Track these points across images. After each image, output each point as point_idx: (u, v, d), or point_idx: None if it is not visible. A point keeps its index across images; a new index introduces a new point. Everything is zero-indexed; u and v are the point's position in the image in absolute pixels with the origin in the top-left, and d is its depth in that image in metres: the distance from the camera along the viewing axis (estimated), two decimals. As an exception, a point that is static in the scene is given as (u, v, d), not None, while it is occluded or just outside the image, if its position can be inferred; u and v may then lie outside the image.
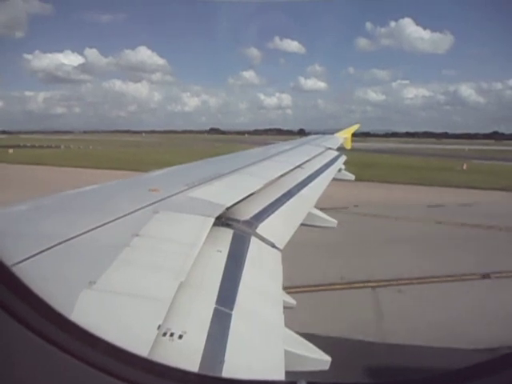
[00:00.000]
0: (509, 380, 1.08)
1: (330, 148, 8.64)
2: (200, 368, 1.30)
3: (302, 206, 4.24)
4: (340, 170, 7.19)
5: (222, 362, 1.38)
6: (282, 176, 4.80)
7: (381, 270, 11.02)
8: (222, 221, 2.76)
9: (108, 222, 2.14)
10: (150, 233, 2.14)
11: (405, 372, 6.15)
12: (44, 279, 1.47)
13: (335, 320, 8.24)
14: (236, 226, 2.82)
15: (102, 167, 33.42)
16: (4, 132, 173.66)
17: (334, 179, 6.33)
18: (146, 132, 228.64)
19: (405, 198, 22.55)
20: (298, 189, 4.58)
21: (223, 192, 3.31)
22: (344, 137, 11.38)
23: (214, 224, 2.48)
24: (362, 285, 10.08)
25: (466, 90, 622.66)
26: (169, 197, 2.84)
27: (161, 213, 2.46)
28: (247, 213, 3.19)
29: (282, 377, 1.45)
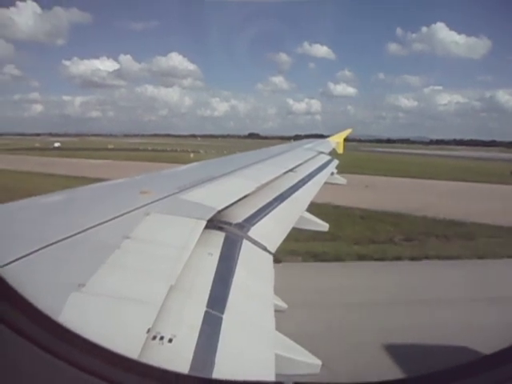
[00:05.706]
0: (507, 376, 1.09)
1: (322, 152, 8.69)
2: (190, 372, 1.29)
3: (294, 209, 4.24)
4: (332, 174, 7.24)
5: (212, 365, 1.37)
6: (274, 179, 4.81)
7: None
8: (214, 223, 2.75)
9: (98, 224, 2.12)
10: (140, 235, 2.13)
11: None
12: (33, 281, 1.45)
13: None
14: (228, 229, 2.81)
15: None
16: (50, 134, 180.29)
17: (326, 183, 6.37)
18: (185, 136, 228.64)
19: None
20: (290, 192, 4.58)
21: (215, 195, 3.30)
22: (336, 141, 11.45)
23: (206, 227, 2.47)
24: None
25: (504, 96, 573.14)
26: (160, 199, 2.83)
27: (152, 215, 2.44)
28: (239, 216, 3.18)
29: (272, 380, 1.45)
